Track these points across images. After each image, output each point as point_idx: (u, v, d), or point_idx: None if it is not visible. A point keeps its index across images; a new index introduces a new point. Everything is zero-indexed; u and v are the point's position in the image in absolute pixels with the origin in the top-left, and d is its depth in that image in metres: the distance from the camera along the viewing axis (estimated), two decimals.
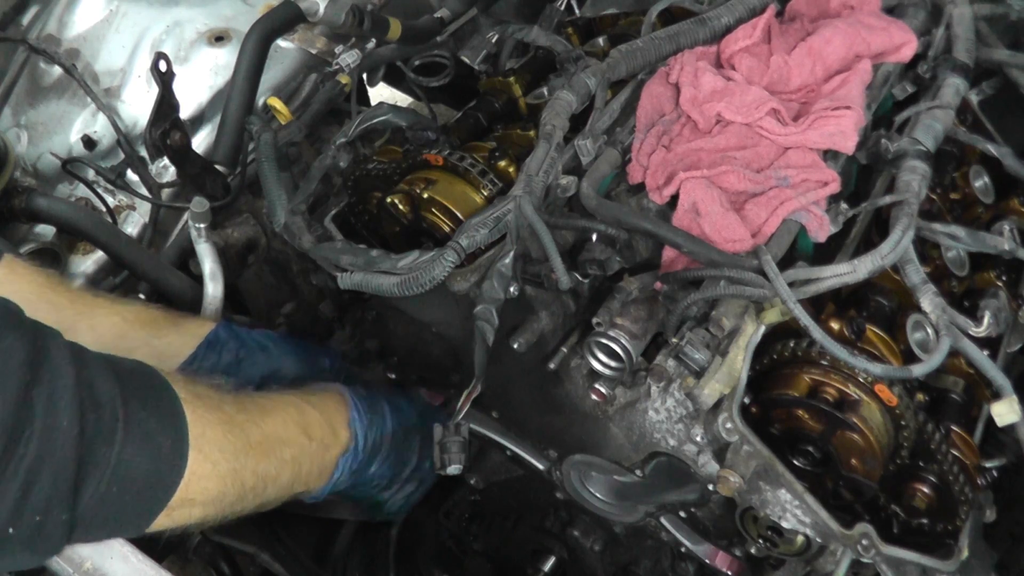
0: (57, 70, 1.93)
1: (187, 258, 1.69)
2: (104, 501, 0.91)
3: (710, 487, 1.25)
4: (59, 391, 0.87)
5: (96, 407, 0.90)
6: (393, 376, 1.59)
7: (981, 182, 1.54)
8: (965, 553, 1.15)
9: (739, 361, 1.15)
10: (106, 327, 0.98)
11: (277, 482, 1.16)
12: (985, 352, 1.10)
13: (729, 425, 1.15)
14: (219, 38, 1.92)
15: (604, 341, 1.20)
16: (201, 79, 1.88)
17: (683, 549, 1.34)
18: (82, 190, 1.82)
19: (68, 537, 0.92)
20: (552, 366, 1.29)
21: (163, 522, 1.01)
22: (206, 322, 1.42)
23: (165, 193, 1.80)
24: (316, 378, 1.41)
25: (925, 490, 1.20)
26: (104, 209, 1.79)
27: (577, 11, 1.95)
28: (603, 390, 1.24)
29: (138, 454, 0.94)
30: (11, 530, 0.84)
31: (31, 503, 0.85)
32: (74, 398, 0.88)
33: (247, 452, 1.09)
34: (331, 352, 1.51)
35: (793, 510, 1.18)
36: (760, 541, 1.25)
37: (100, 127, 1.87)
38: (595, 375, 1.25)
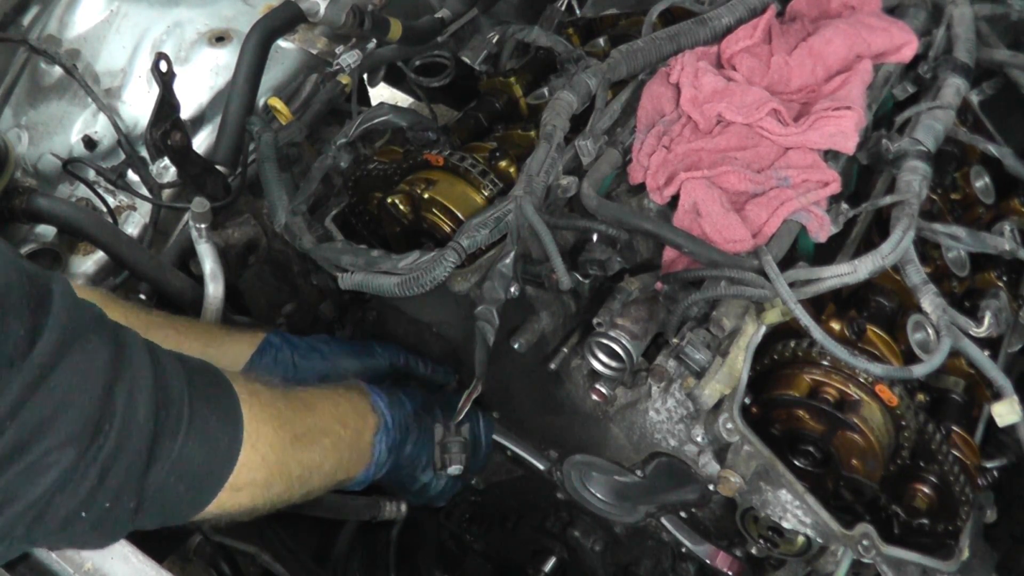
0: (58, 70, 1.94)
1: (187, 258, 1.69)
2: (162, 491, 0.96)
3: (711, 487, 1.25)
4: (139, 389, 0.92)
5: (168, 404, 0.96)
6: None
7: (982, 182, 1.54)
8: (966, 553, 1.15)
9: (740, 361, 1.15)
10: (161, 340, 1.01)
11: (321, 470, 1.22)
12: (986, 352, 1.10)
13: (730, 425, 1.15)
14: (220, 38, 1.93)
15: (605, 341, 1.20)
16: (202, 79, 1.88)
17: (684, 549, 1.35)
18: (83, 190, 1.82)
19: (132, 522, 0.96)
20: (553, 366, 1.29)
21: (211, 509, 1.06)
22: (258, 332, 1.44)
23: (166, 193, 1.80)
24: (370, 373, 1.45)
25: (926, 490, 1.20)
26: (105, 209, 1.79)
27: (578, 11, 1.95)
28: (604, 390, 1.24)
29: (197, 449, 0.99)
30: (83, 514, 0.89)
31: (104, 491, 0.89)
32: (151, 396, 0.93)
33: (294, 444, 1.15)
34: (383, 343, 1.52)
35: (794, 510, 1.18)
36: (761, 541, 1.25)
37: (101, 127, 1.87)
38: (596, 375, 1.25)
